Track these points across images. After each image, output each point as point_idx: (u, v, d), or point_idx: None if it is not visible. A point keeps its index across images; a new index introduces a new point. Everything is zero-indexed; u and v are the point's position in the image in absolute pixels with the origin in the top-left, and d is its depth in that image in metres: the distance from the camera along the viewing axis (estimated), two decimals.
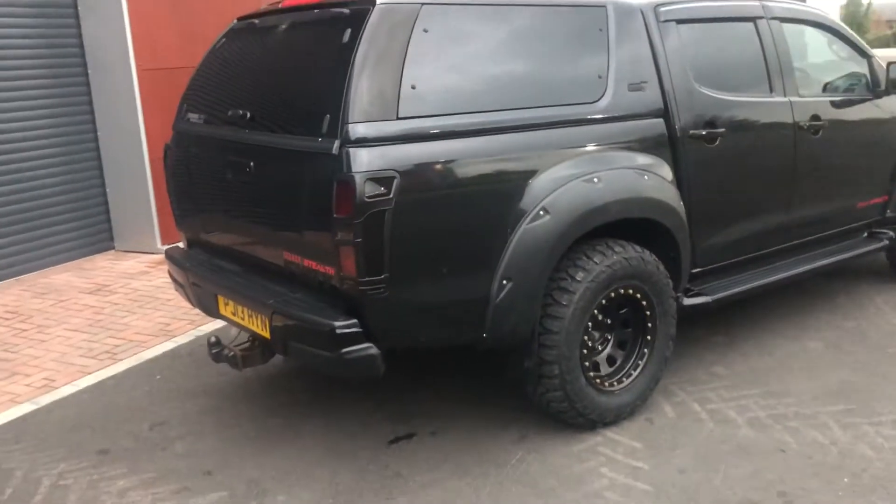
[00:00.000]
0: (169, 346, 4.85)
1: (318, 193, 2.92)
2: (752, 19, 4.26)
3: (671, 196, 3.66)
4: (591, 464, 3.32)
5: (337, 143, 2.84)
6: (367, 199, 2.80)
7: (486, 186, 3.13)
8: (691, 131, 3.79)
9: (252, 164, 3.30)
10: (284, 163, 3.14)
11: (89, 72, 6.99)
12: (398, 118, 2.91)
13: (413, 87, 2.96)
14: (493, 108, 3.17)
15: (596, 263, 3.38)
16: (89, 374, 4.49)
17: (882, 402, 3.75)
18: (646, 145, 3.64)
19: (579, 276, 3.34)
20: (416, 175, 2.93)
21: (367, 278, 2.87)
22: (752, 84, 4.17)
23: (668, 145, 3.73)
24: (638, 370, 3.67)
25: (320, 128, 2.92)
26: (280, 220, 3.26)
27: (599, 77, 3.52)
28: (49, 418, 3.96)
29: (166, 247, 4.22)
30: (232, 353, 3.51)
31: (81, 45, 6.95)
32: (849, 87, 4.86)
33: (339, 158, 2.83)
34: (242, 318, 3.43)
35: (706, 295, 4.02)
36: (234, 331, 3.74)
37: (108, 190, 7.19)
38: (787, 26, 4.42)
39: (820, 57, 4.97)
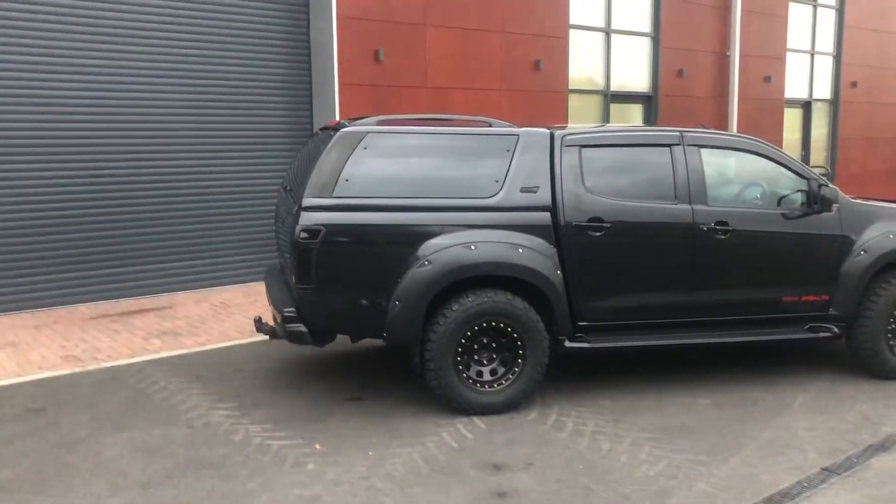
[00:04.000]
0: None
1: (290, 236, 5.16)
2: (668, 145, 5.69)
3: (544, 266, 5.29)
4: (441, 429, 5.07)
5: (296, 208, 5.07)
6: (300, 241, 4.98)
7: (387, 241, 5.12)
8: (575, 223, 5.39)
9: (285, 217, 5.65)
10: (288, 217, 5.42)
11: None
12: (332, 196, 5.06)
13: (347, 180, 5.10)
14: (403, 195, 5.16)
15: (469, 301, 5.17)
16: (229, 341, 7.11)
17: (681, 436, 4.96)
18: (530, 230, 5.32)
19: (455, 307, 5.16)
20: (338, 229, 5.04)
21: (300, 285, 5.04)
22: (651, 193, 5.58)
23: (553, 231, 5.37)
24: (507, 383, 5.32)
25: (297, 198, 5.18)
26: (284, 252, 5.54)
27: (496, 181, 5.33)
28: (186, 359, 6.59)
29: None
30: (268, 326, 5.84)
31: (312, 122, 9.93)
32: (796, 202, 5.91)
33: (296, 216, 5.06)
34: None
35: (587, 342, 5.51)
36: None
37: None
38: (707, 151, 5.75)
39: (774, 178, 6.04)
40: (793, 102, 16.09)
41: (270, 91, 9.56)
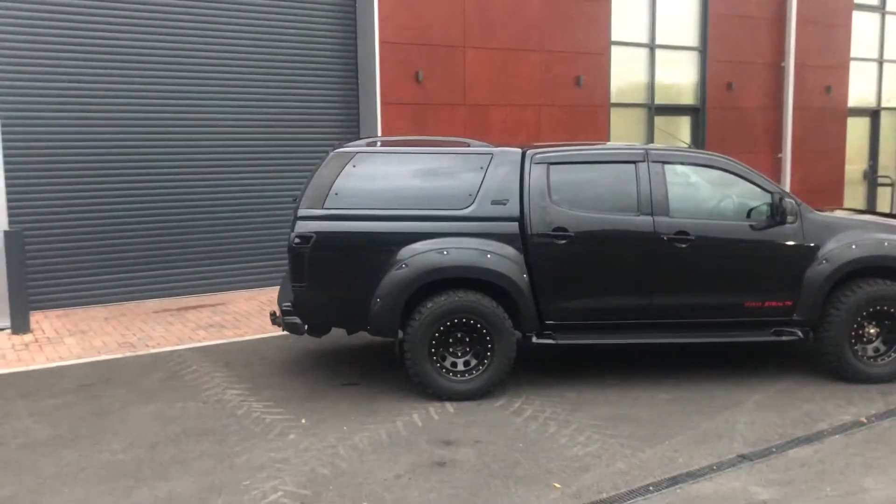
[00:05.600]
0: None
1: (288, 242, 6.02)
2: (634, 162, 6.25)
3: (511, 270, 5.95)
4: (414, 411, 5.80)
5: (293, 217, 5.94)
6: (295, 245, 5.84)
7: (370, 246, 5.91)
8: (541, 232, 6.04)
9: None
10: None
11: None
12: (323, 208, 5.90)
13: (336, 193, 5.92)
14: (386, 207, 5.94)
15: (442, 300, 5.90)
16: (264, 333, 8.06)
17: (625, 424, 5.52)
18: (499, 237, 6.00)
19: (428, 304, 5.90)
20: (327, 236, 5.87)
21: (295, 283, 5.90)
22: (615, 205, 6.15)
23: (521, 239, 6.03)
24: (478, 373, 6.00)
25: (295, 209, 6.04)
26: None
27: (469, 195, 6.04)
28: (222, 347, 7.57)
29: None
30: (280, 320, 6.72)
31: (359, 137, 10.82)
32: (761, 214, 6.33)
33: (293, 224, 5.92)
34: None
35: (553, 339, 6.13)
36: None
37: None
38: (671, 167, 6.27)
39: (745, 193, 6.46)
40: (858, 111, 15.95)
41: (324, 109, 10.54)
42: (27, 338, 7.92)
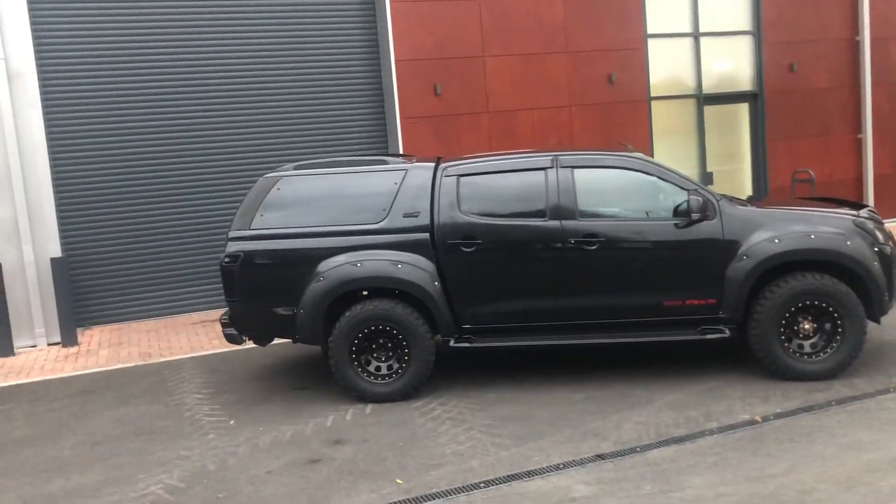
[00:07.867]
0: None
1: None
2: (543, 169, 6.42)
3: (422, 279, 6.31)
4: (334, 413, 6.30)
5: (226, 238, 6.62)
6: (225, 264, 6.51)
7: (292, 262, 6.46)
8: (449, 241, 6.35)
9: None
10: None
11: None
12: (250, 228, 6.53)
13: (262, 215, 6.54)
14: (307, 225, 6.48)
15: (358, 309, 6.37)
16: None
17: (515, 424, 5.73)
18: (411, 248, 6.37)
19: (347, 314, 6.38)
20: (252, 254, 6.49)
21: (228, 298, 6.58)
22: (523, 212, 6.35)
23: (432, 249, 6.38)
24: (397, 377, 6.41)
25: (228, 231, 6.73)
26: None
27: (383, 209, 6.46)
28: (220, 356, 8.38)
29: None
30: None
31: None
32: (683, 213, 6.30)
33: (225, 245, 6.61)
34: None
35: (470, 342, 6.42)
36: None
37: None
38: (581, 172, 6.38)
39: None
40: None
41: (354, 129, 11.21)
42: (72, 350, 9.14)
